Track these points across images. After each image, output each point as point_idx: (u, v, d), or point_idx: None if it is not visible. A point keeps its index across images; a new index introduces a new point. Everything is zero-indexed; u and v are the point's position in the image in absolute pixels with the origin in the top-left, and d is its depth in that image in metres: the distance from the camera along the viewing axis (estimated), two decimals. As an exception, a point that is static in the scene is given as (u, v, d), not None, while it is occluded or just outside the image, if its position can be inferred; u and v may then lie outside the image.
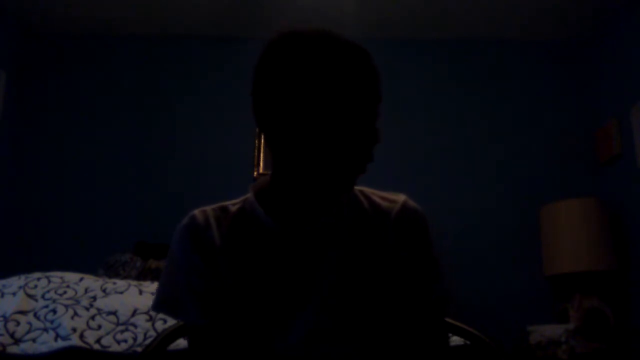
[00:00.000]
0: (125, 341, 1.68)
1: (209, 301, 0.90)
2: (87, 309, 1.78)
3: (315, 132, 0.85)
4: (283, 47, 0.87)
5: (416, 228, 0.96)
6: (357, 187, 1.00)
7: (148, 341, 1.63)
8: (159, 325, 1.72)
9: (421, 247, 0.95)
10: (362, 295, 0.91)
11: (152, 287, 1.96)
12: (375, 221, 0.95)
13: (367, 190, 1.01)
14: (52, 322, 1.73)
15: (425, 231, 0.97)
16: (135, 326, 1.73)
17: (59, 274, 1.98)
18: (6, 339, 1.67)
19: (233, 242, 0.92)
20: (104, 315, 1.76)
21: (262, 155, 3.21)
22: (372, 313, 0.91)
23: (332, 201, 0.94)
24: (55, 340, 1.67)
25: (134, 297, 1.86)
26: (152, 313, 1.76)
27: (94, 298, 1.84)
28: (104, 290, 1.89)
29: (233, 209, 0.97)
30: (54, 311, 1.76)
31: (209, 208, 0.97)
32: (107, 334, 1.70)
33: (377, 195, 1.00)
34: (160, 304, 0.94)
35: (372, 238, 0.94)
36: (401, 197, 0.99)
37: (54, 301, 1.81)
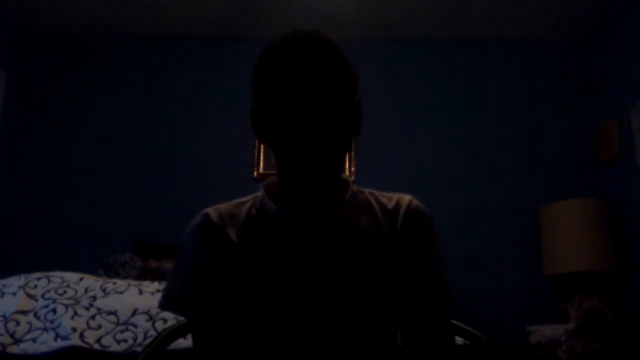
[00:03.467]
0: (125, 341, 1.68)
1: (220, 300, 0.90)
2: (87, 309, 1.78)
3: (301, 116, 0.88)
4: (266, 55, 0.93)
5: (423, 227, 0.99)
6: (365, 189, 1.04)
7: (148, 341, 1.63)
8: (159, 325, 1.72)
9: (427, 245, 0.98)
10: (371, 294, 0.92)
11: (152, 287, 1.96)
12: (384, 221, 0.98)
13: (375, 191, 1.04)
14: (52, 322, 1.73)
15: (432, 230, 0.99)
16: (135, 326, 1.73)
17: (59, 274, 1.99)
18: (6, 339, 1.67)
19: (249, 240, 0.93)
20: (104, 315, 1.76)
21: (262, 155, 3.22)
22: (380, 311, 0.93)
23: (339, 200, 0.97)
24: (55, 340, 1.67)
25: (134, 297, 1.86)
26: (152, 313, 1.76)
27: (94, 298, 1.84)
28: (104, 290, 1.89)
29: (245, 206, 0.98)
30: (54, 311, 1.76)
31: (222, 206, 0.97)
32: (107, 333, 1.70)
33: (385, 196, 1.03)
34: (169, 303, 0.94)
35: (380, 237, 0.97)
36: (407, 197, 1.02)
37: (54, 301, 1.81)
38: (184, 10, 3.18)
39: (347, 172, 3.17)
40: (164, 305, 0.94)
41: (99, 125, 3.30)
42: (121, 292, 1.88)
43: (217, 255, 0.91)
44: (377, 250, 0.95)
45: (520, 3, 3.08)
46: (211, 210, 0.95)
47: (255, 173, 3.20)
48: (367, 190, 1.04)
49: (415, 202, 1.01)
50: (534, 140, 3.29)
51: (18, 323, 1.73)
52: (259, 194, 0.99)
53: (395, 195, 1.02)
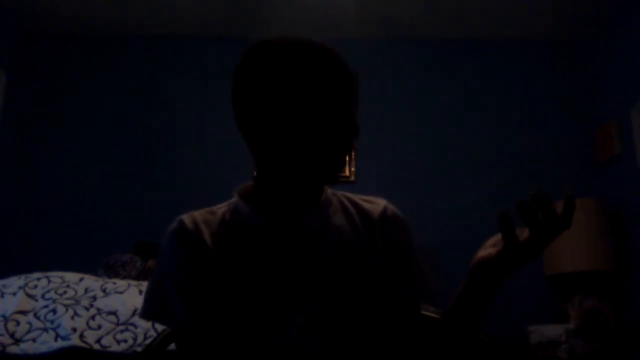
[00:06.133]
0: (125, 341, 1.68)
1: (201, 305, 0.89)
2: (87, 309, 1.78)
3: (294, 132, 0.88)
4: (257, 55, 0.92)
5: (401, 229, 1.02)
6: (339, 192, 1.05)
7: (148, 341, 1.63)
8: (159, 325, 1.72)
9: (407, 246, 1.02)
10: (353, 293, 0.93)
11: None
12: (361, 222, 1.00)
13: (348, 194, 1.06)
14: (52, 322, 1.73)
15: (409, 232, 1.03)
16: (135, 326, 1.73)
17: (59, 274, 1.99)
18: (6, 339, 1.67)
19: (224, 243, 0.93)
20: (104, 315, 1.76)
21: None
22: (363, 309, 0.94)
23: (315, 202, 0.98)
24: (55, 340, 1.67)
25: (134, 297, 1.86)
26: (152, 313, 1.76)
27: (94, 298, 1.84)
28: (104, 290, 1.89)
29: (219, 211, 0.99)
30: (54, 311, 1.76)
31: (196, 212, 0.98)
32: (107, 334, 1.70)
33: (359, 198, 1.05)
34: (150, 312, 0.92)
35: (359, 238, 0.98)
36: (382, 201, 1.05)
37: (54, 301, 1.81)
38: (183, 10, 3.18)
39: (346, 172, 3.17)
40: (145, 315, 0.93)
41: (98, 125, 3.30)
42: (121, 292, 1.88)
43: (194, 261, 0.91)
44: (357, 251, 0.97)
45: (520, 3, 3.08)
46: (185, 217, 0.96)
47: (255, 173, 3.20)
48: (339, 193, 1.05)
49: (391, 206, 1.04)
50: (534, 140, 3.29)
51: (18, 323, 1.73)
52: (233, 199, 1.00)
53: (370, 198, 1.05)
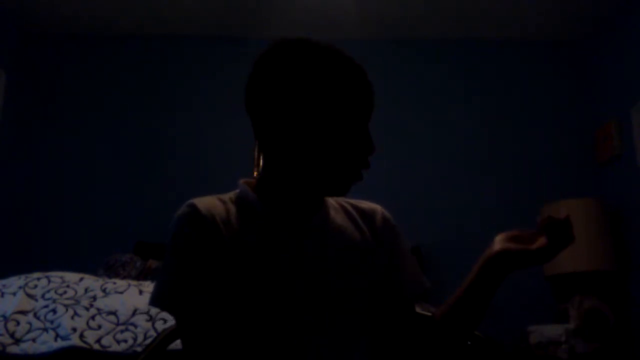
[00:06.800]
0: (125, 341, 1.68)
1: (212, 294, 0.86)
2: (87, 309, 1.78)
3: (312, 142, 0.90)
4: (282, 55, 0.91)
5: (397, 230, 1.06)
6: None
7: (148, 341, 1.63)
8: (159, 325, 1.72)
9: (405, 246, 1.07)
10: (356, 292, 0.95)
11: (152, 287, 1.95)
12: (364, 223, 1.03)
13: (344, 198, 1.07)
14: (52, 322, 1.73)
15: (402, 234, 1.07)
16: (135, 326, 1.72)
17: (59, 274, 1.98)
18: (6, 339, 1.67)
19: (234, 229, 0.91)
20: (104, 315, 1.76)
21: (262, 155, 3.21)
22: (364, 308, 0.96)
23: (319, 203, 0.99)
24: (55, 340, 1.67)
25: (134, 297, 1.86)
26: (152, 313, 1.76)
27: (94, 298, 1.84)
28: (104, 290, 1.89)
29: (226, 197, 0.97)
30: (54, 311, 1.76)
31: (206, 198, 0.95)
32: (107, 334, 1.70)
33: (356, 201, 1.08)
34: (160, 299, 0.88)
35: (364, 238, 1.01)
36: (377, 205, 1.09)
37: (54, 301, 1.81)
38: (183, 10, 3.18)
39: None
40: (155, 302, 0.88)
41: (99, 125, 3.30)
42: (121, 292, 1.88)
43: (208, 246, 0.88)
44: (362, 250, 0.99)
45: (520, 3, 3.08)
46: (196, 201, 0.92)
47: (255, 173, 3.20)
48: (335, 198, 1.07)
49: (385, 210, 1.08)
50: (534, 140, 3.29)
51: (18, 323, 1.73)
52: (238, 190, 0.98)
53: (363, 201, 1.08)
